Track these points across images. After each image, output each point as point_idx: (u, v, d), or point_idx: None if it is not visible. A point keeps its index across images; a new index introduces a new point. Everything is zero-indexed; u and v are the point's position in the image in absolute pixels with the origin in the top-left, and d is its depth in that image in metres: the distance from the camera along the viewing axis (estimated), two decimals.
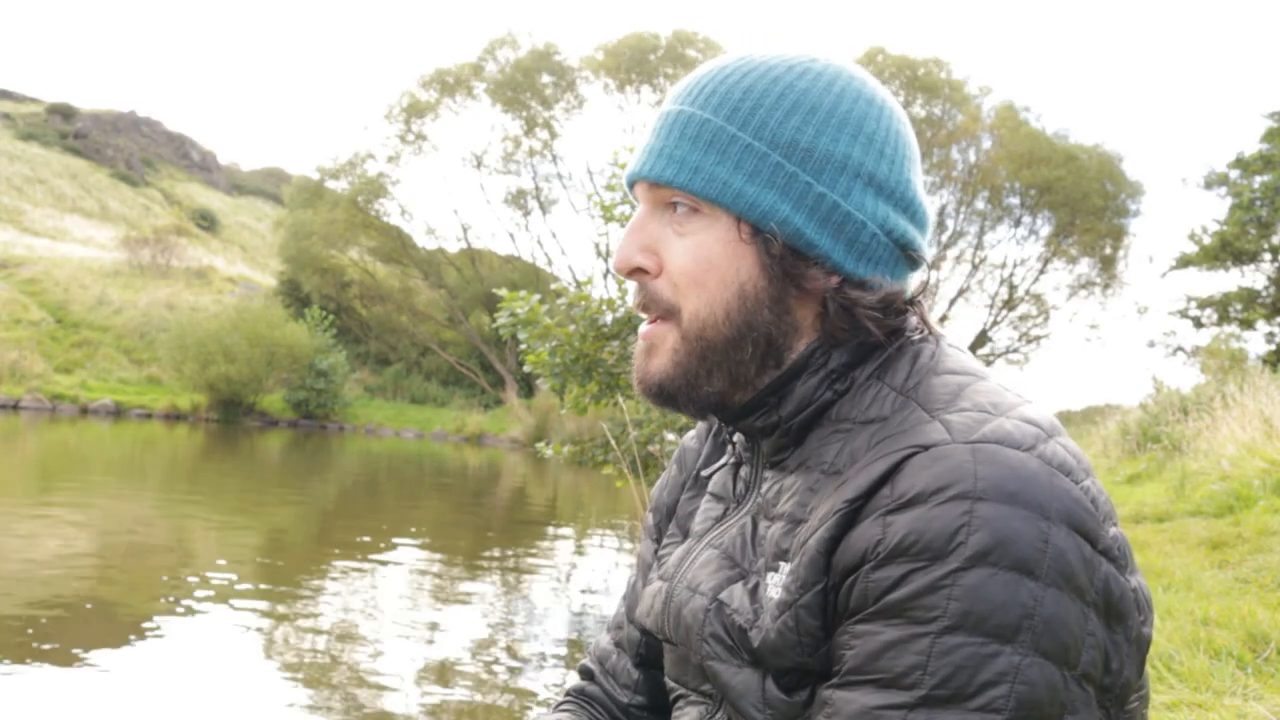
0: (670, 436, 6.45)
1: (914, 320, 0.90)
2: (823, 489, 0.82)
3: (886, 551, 0.72)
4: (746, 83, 0.87)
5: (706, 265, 0.86)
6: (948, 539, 0.70)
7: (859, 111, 0.87)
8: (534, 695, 4.61)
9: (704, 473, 1.06)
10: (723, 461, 1.02)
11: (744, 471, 0.97)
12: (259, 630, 5.33)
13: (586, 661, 1.15)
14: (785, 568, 0.82)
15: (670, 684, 1.00)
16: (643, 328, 0.93)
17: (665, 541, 1.06)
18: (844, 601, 0.76)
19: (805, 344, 0.88)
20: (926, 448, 0.75)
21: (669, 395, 0.91)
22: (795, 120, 0.85)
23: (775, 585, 0.82)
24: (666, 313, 0.89)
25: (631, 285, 0.93)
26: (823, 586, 0.78)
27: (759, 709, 0.82)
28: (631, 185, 0.92)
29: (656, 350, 0.90)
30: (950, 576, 0.69)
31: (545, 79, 33.20)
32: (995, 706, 0.68)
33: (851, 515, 0.77)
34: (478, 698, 4.51)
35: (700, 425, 1.15)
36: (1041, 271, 33.40)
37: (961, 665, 0.68)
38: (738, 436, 0.98)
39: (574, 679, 1.16)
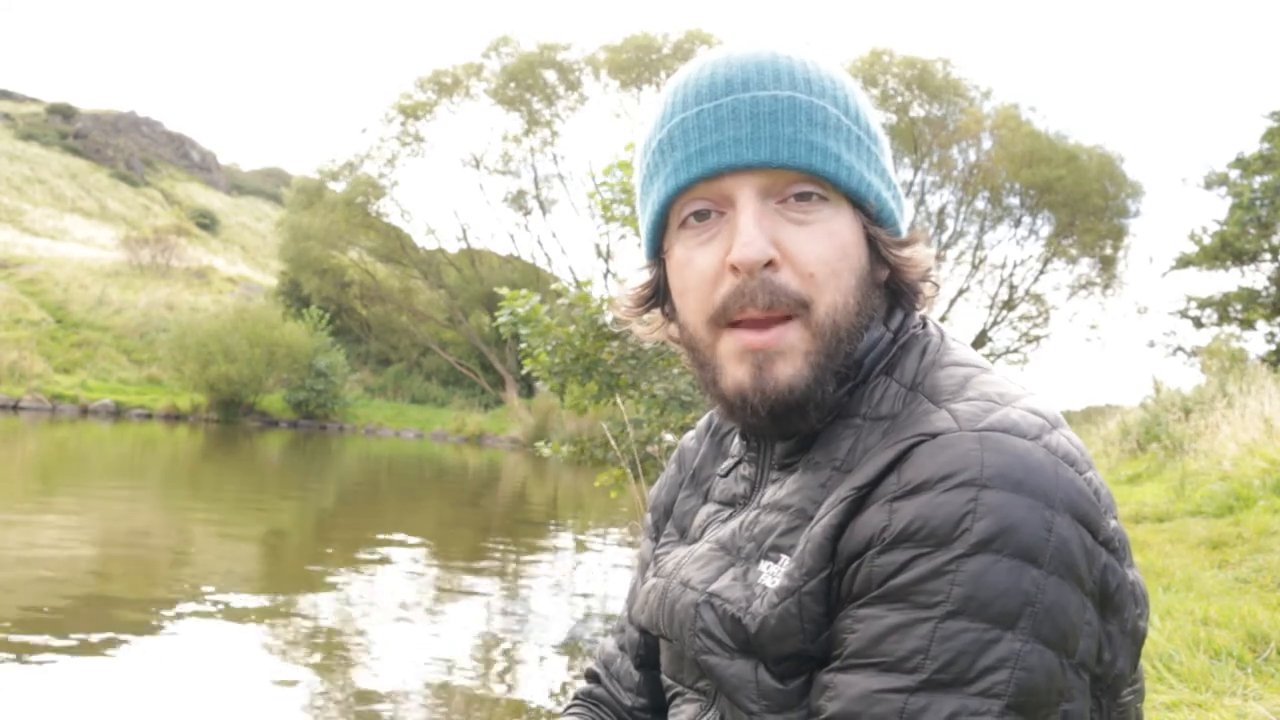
0: (669, 437, 6.45)
1: (918, 315, 0.91)
2: (836, 487, 0.82)
3: (892, 537, 0.73)
4: (824, 71, 0.87)
5: (842, 254, 0.83)
6: (953, 525, 0.70)
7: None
8: (534, 694, 4.61)
9: (718, 473, 1.05)
10: (730, 465, 1.02)
11: (746, 470, 0.96)
12: (258, 630, 5.33)
13: (592, 665, 1.15)
14: (786, 559, 0.82)
15: (667, 681, 1.00)
16: (753, 335, 0.82)
17: (663, 540, 1.07)
18: (848, 586, 0.76)
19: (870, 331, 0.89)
20: (933, 435, 0.76)
21: (797, 404, 0.83)
22: (866, 108, 0.89)
23: (773, 574, 0.82)
24: (795, 309, 0.82)
25: (726, 283, 0.82)
26: (828, 572, 0.78)
27: (754, 700, 0.82)
28: (704, 176, 0.83)
29: (786, 356, 0.82)
30: (954, 562, 0.70)
31: (548, 77, 33.18)
32: (995, 691, 0.68)
33: (858, 502, 0.77)
34: (477, 697, 4.51)
35: (700, 424, 1.15)
36: (1041, 271, 33.41)
37: (963, 650, 0.69)
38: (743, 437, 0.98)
39: (582, 683, 1.16)
